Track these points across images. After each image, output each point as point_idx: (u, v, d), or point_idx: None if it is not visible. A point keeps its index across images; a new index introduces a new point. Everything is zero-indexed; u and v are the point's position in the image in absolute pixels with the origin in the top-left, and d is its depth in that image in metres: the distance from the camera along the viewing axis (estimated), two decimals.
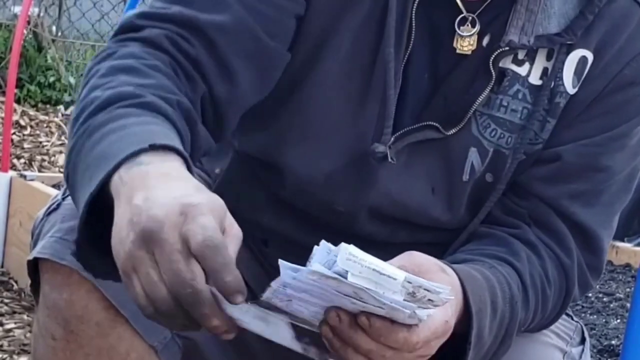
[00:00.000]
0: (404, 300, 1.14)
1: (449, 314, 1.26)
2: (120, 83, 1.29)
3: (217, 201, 1.15)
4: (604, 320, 3.57)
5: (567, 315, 1.62)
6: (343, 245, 1.12)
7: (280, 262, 1.12)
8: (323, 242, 1.14)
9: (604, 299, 3.84)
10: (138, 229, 1.11)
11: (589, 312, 3.68)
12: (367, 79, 1.45)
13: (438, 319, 1.22)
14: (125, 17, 1.42)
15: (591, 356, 1.66)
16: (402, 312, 1.15)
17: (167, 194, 1.13)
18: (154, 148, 1.18)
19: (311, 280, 1.12)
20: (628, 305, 3.54)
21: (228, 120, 1.41)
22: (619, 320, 3.55)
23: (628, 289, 3.93)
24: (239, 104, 1.42)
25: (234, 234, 1.15)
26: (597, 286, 3.96)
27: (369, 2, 1.44)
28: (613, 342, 3.31)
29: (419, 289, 1.14)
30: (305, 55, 1.46)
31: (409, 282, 1.13)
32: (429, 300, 1.16)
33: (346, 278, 1.11)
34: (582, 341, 1.61)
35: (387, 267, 1.12)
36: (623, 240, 4.51)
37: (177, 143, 1.22)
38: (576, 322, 1.64)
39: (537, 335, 1.54)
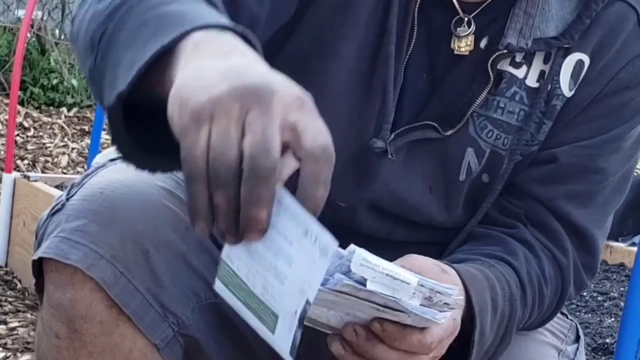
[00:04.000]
0: (421, 305, 1.17)
1: (456, 312, 1.28)
2: None
3: None
4: (598, 319, 3.56)
5: (562, 313, 1.65)
6: (356, 251, 1.12)
7: None
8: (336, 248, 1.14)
9: (599, 298, 3.83)
10: (240, 83, 0.95)
11: (583, 310, 3.68)
12: (369, 76, 1.46)
13: (448, 318, 1.25)
14: None
15: (586, 354, 1.68)
16: (421, 317, 1.18)
17: (272, 73, 0.99)
18: (228, 29, 1.04)
19: (330, 290, 1.13)
20: (622, 304, 3.56)
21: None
22: (613, 319, 3.55)
23: (622, 288, 3.93)
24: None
25: None
26: (592, 285, 3.96)
27: (370, 2, 1.45)
28: (607, 340, 3.30)
29: (434, 292, 1.16)
30: (307, 54, 1.47)
31: (422, 286, 1.15)
32: (445, 303, 1.18)
33: (365, 285, 1.13)
34: (577, 339, 1.63)
35: (400, 271, 1.14)
36: (617, 240, 4.52)
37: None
38: (571, 320, 1.66)
39: (532, 334, 1.56)
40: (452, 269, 1.36)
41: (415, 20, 1.46)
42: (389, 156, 1.47)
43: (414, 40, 1.47)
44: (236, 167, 0.95)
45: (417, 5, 1.46)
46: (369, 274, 1.12)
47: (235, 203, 0.96)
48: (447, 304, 1.18)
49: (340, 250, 1.13)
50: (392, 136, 1.47)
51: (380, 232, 1.53)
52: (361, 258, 1.12)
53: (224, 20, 1.06)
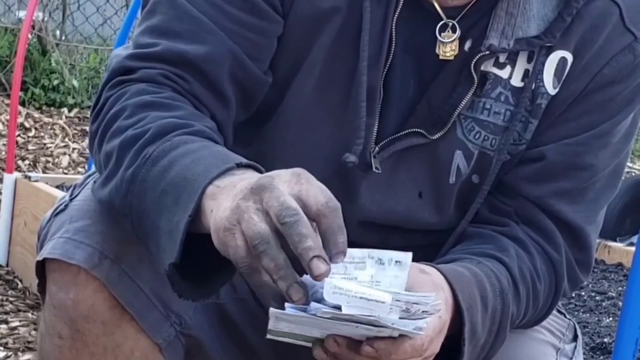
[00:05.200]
0: (400, 318, 1.17)
1: (440, 310, 1.28)
2: (156, 117, 1.32)
3: None
4: (596, 318, 3.56)
5: (560, 312, 1.65)
6: (326, 280, 1.13)
7: (287, 305, 1.15)
8: (305, 277, 1.15)
9: (597, 298, 3.83)
10: (248, 188, 1.17)
11: (581, 310, 3.68)
12: (346, 92, 1.47)
13: (432, 317, 1.25)
14: (116, 60, 1.43)
15: (584, 354, 1.69)
16: (404, 330, 1.18)
17: (266, 173, 1.20)
18: (240, 166, 1.24)
19: (309, 316, 1.14)
20: (620, 303, 3.56)
21: (230, 141, 1.45)
22: (611, 319, 3.55)
23: (620, 288, 3.93)
24: (233, 124, 1.46)
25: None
26: (590, 285, 3.97)
27: (342, 18, 1.46)
28: (605, 339, 3.29)
29: (411, 304, 1.17)
30: (283, 72, 1.48)
31: (398, 300, 1.16)
32: (424, 311, 1.19)
33: (340, 310, 1.14)
34: (575, 338, 1.63)
35: (373, 292, 1.15)
36: (615, 240, 4.53)
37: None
38: (569, 319, 1.66)
39: (530, 332, 1.56)
40: (434, 269, 1.36)
41: (394, 32, 1.47)
42: (374, 169, 1.48)
43: (393, 50, 1.47)
44: (268, 233, 1.13)
45: (395, 17, 1.46)
46: (342, 300, 1.13)
47: (283, 264, 1.13)
48: (425, 311, 1.19)
49: (313, 280, 1.15)
50: (377, 149, 1.48)
51: (373, 241, 1.53)
52: (332, 286, 1.13)
53: (214, 161, 1.25)
